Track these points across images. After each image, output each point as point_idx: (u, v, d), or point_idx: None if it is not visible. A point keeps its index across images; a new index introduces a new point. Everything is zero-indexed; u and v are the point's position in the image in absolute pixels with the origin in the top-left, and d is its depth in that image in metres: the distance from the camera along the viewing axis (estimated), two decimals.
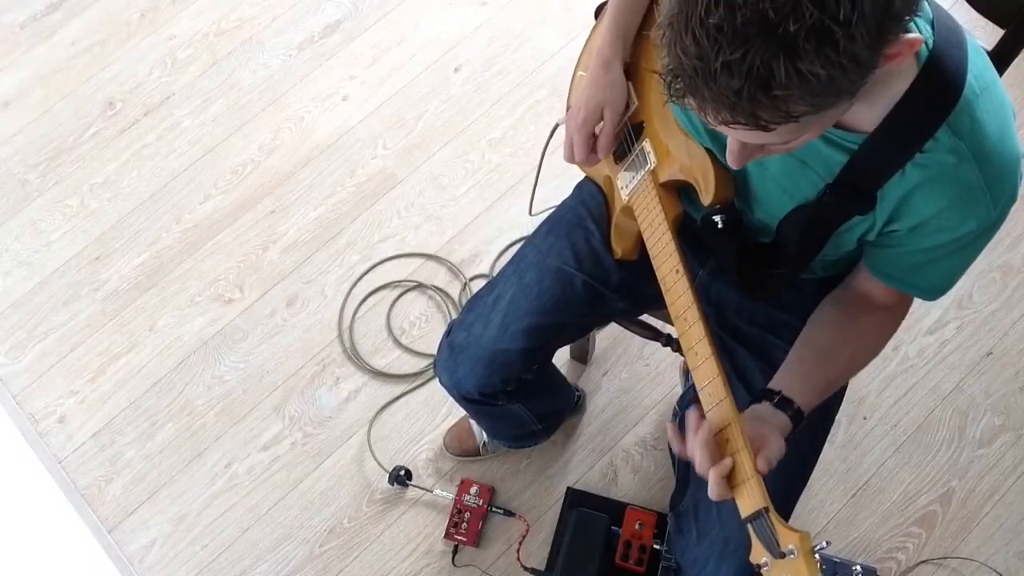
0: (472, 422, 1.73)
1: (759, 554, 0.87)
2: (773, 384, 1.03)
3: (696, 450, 0.93)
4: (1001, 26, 1.16)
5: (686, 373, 1.78)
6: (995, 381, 1.79)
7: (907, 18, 0.71)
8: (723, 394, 0.94)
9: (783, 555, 0.83)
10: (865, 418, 1.77)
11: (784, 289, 1.14)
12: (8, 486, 1.75)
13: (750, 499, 0.88)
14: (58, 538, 1.72)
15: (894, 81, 0.84)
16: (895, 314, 1.08)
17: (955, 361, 1.82)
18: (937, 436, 1.76)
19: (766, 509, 0.86)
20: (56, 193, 2.07)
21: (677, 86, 0.74)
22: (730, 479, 0.91)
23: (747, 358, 1.20)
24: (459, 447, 1.74)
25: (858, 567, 1.56)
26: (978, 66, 0.87)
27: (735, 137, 0.84)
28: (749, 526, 0.88)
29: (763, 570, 0.86)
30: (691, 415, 0.96)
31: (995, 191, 0.88)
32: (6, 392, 1.87)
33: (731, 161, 0.87)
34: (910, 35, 0.72)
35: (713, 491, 0.91)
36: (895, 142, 0.87)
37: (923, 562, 1.66)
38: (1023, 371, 1.80)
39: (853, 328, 1.07)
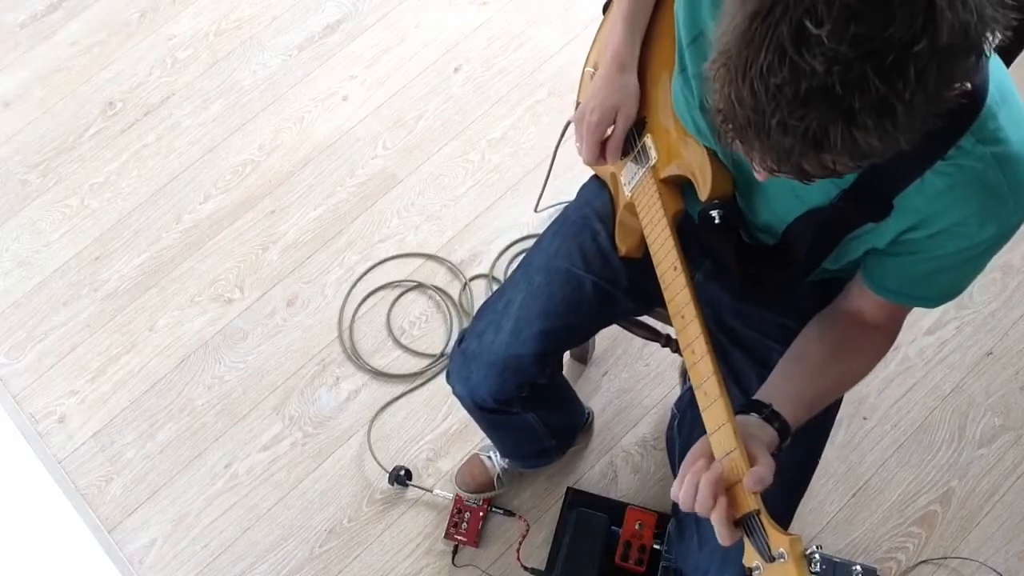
0: (483, 456, 1.71)
1: (751, 557, 0.85)
2: (762, 396, 1.00)
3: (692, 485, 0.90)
4: None
5: (684, 374, 1.78)
6: (995, 381, 1.79)
7: (961, 83, 0.70)
8: (718, 393, 0.93)
9: (773, 559, 0.82)
10: (865, 418, 1.77)
11: (780, 293, 1.14)
12: (8, 486, 1.75)
13: (742, 501, 0.87)
14: (58, 538, 1.72)
15: None
16: (887, 332, 1.07)
17: (955, 361, 1.81)
18: (937, 436, 1.76)
19: (757, 512, 0.85)
20: (56, 193, 2.07)
21: (727, 128, 0.74)
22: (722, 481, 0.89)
23: (742, 360, 1.19)
24: (473, 483, 1.70)
25: (858, 567, 1.56)
26: (997, 77, 0.86)
27: None
28: (741, 528, 0.87)
29: (755, 574, 0.84)
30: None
31: (1018, 196, 0.87)
32: (6, 392, 1.87)
33: (758, 174, 0.84)
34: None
35: (702, 501, 0.88)
36: (916, 149, 0.86)
37: (923, 562, 1.66)
38: (1023, 371, 1.80)
39: (845, 346, 1.05)
